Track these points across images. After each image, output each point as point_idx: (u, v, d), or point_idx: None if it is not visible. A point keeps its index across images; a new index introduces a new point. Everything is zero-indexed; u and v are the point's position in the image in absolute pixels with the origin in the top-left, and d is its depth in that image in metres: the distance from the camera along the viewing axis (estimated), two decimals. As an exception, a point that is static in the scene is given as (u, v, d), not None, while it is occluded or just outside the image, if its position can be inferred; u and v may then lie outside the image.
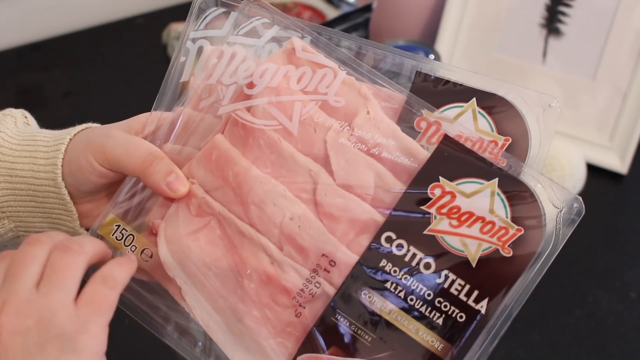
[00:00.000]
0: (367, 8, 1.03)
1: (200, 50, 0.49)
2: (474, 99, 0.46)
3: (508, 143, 0.46)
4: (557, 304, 0.83)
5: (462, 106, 0.46)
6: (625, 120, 0.98)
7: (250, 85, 0.46)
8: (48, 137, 0.50)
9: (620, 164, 0.99)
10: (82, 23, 1.23)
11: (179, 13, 1.24)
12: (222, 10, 0.49)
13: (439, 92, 0.47)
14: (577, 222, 0.43)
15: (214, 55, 0.48)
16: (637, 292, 0.85)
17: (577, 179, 0.91)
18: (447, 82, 0.47)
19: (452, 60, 1.06)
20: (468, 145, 0.44)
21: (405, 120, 0.46)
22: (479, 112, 0.46)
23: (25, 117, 0.53)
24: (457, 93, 0.47)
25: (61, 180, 0.48)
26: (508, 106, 0.46)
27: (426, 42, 1.05)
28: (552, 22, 1.00)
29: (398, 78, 0.48)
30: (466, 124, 0.46)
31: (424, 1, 1.07)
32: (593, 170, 0.97)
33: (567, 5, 0.99)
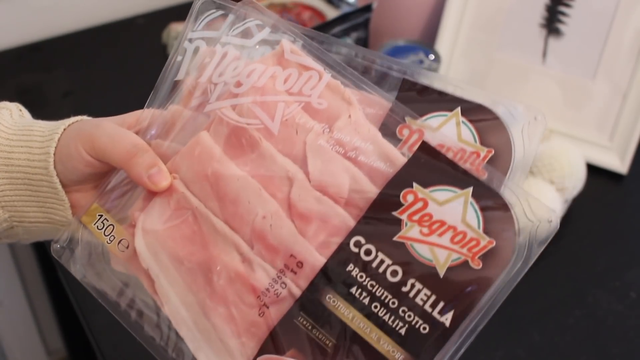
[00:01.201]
0: (367, 8, 1.03)
1: (196, 51, 0.50)
2: (459, 108, 0.46)
3: (490, 155, 0.45)
4: (557, 304, 0.83)
5: (446, 115, 0.46)
6: (625, 120, 0.98)
7: (238, 84, 0.47)
8: (43, 127, 0.51)
9: (620, 164, 0.99)
10: (82, 23, 1.23)
11: (179, 13, 1.24)
12: (220, 12, 0.50)
13: (424, 100, 0.46)
14: (549, 240, 0.41)
15: (207, 55, 0.49)
16: (637, 292, 0.85)
17: (577, 179, 0.91)
18: (434, 90, 0.46)
19: (452, 60, 1.06)
20: (449, 155, 0.43)
21: (388, 127, 0.45)
22: (462, 122, 0.45)
23: (20, 110, 0.54)
24: (442, 102, 0.46)
25: (53, 168, 0.49)
26: (493, 117, 0.45)
27: (426, 42, 1.05)
28: (552, 22, 1.00)
29: (385, 85, 0.48)
30: (449, 133, 0.45)
31: (424, 1, 1.07)
32: (593, 170, 0.97)
33: (567, 5, 0.99)
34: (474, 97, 0.46)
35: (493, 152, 0.45)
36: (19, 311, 1.37)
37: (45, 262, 1.23)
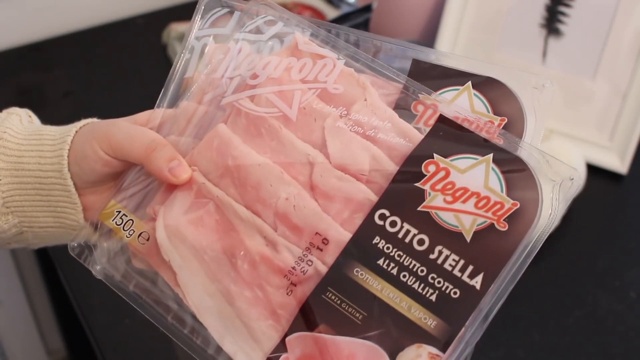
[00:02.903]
0: (367, 8, 1.04)
1: (204, 48, 0.51)
2: (469, 82, 0.47)
3: (504, 122, 0.46)
4: (557, 304, 0.83)
5: (458, 89, 0.47)
6: (625, 120, 0.98)
7: (254, 77, 0.48)
8: (54, 131, 0.51)
9: (620, 164, 0.99)
10: (82, 23, 1.23)
11: (179, 13, 1.25)
12: (226, 10, 0.51)
13: (434, 77, 0.48)
14: (574, 196, 0.42)
15: (221, 52, 0.50)
16: (637, 292, 0.85)
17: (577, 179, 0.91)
18: (444, 67, 0.48)
19: (452, 60, 1.06)
20: (465, 125, 0.44)
21: (403, 105, 0.46)
22: (474, 94, 0.47)
23: (30, 115, 0.55)
24: (452, 77, 0.47)
25: (67, 170, 0.49)
26: (502, 88, 0.47)
27: (426, 42, 1.05)
28: (552, 22, 1.00)
29: (395, 66, 0.49)
30: (462, 106, 0.46)
31: (424, 1, 1.08)
32: (593, 170, 0.97)
33: (567, 5, 0.99)
34: (483, 70, 0.47)
35: (506, 120, 0.46)
36: (19, 311, 1.36)
37: (45, 262, 1.23)
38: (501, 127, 0.46)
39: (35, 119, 0.55)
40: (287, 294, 0.44)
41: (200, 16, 0.51)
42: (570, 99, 1.01)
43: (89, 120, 0.52)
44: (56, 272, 0.91)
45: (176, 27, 1.17)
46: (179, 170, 0.47)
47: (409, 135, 0.45)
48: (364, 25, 1.05)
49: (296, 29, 0.49)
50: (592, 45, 0.99)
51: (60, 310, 1.36)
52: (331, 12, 1.19)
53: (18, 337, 1.38)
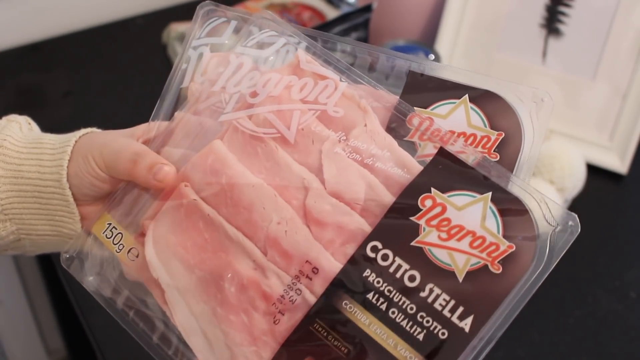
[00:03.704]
0: (367, 8, 1.03)
1: (200, 57, 0.50)
2: (466, 95, 0.46)
3: (501, 138, 0.45)
4: (557, 304, 0.83)
5: (454, 102, 0.46)
6: (625, 120, 0.98)
7: (253, 94, 0.47)
8: (53, 140, 0.51)
9: (620, 164, 0.99)
10: (82, 23, 1.23)
11: (179, 13, 1.24)
12: (223, 19, 0.50)
13: (431, 89, 0.47)
14: (571, 242, 0.41)
15: (220, 64, 0.49)
16: (637, 292, 0.85)
17: (577, 179, 0.91)
18: (440, 80, 0.47)
19: (452, 61, 1.06)
20: (460, 140, 0.43)
21: (398, 118, 0.45)
22: (471, 107, 0.46)
23: (29, 123, 0.54)
24: (449, 90, 0.46)
25: (66, 181, 0.49)
26: (500, 101, 0.46)
27: (426, 42, 1.05)
28: (552, 22, 1.00)
29: (392, 77, 0.49)
30: (459, 119, 0.45)
31: (424, 1, 1.07)
32: (593, 170, 0.97)
33: (567, 5, 0.99)
34: (480, 83, 0.46)
35: (503, 135, 0.45)
36: (19, 311, 1.36)
37: (45, 262, 1.23)
38: (498, 142, 0.45)
39: (34, 126, 0.55)
40: (274, 322, 0.43)
41: (197, 25, 0.50)
42: (570, 99, 1.01)
43: (88, 130, 0.52)
44: (56, 272, 0.91)
45: (176, 27, 1.17)
46: (161, 174, 0.46)
47: (407, 166, 0.44)
48: (364, 25, 1.05)
49: (299, 47, 0.48)
50: (592, 45, 0.99)
51: (60, 310, 1.36)
52: (331, 12, 1.19)
53: (18, 337, 1.38)
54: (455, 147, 0.43)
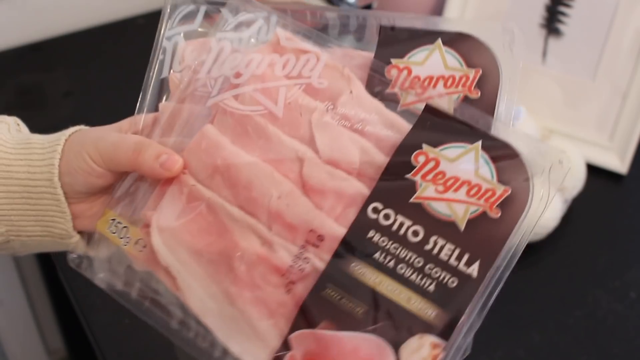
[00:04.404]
0: (367, 8, 1.03)
1: (175, 47, 0.51)
2: (439, 39, 0.47)
3: (479, 74, 0.46)
4: (557, 304, 0.83)
5: (428, 48, 0.47)
6: (625, 120, 0.98)
7: (237, 75, 0.47)
8: (42, 140, 0.51)
9: (620, 164, 0.99)
10: (82, 23, 1.23)
11: (179, 13, 1.24)
12: (192, 6, 0.51)
13: (403, 39, 0.48)
14: (563, 180, 0.42)
15: (195, 50, 0.50)
16: (637, 292, 0.85)
17: (577, 179, 0.91)
18: (411, 29, 0.48)
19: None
20: (441, 83, 0.45)
21: (376, 71, 0.47)
22: (445, 50, 0.47)
23: (18, 124, 0.54)
24: (421, 37, 0.48)
25: (57, 179, 0.49)
26: (473, 40, 0.47)
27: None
28: (552, 22, 1.00)
29: (364, 35, 0.50)
30: (436, 64, 0.47)
31: (424, 1, 1.07)
32: (593, 170, 0.97)
33: (567, 5, 0.99)
34: (450, 27, 0.48)
35: (481, 71, 0.47)
36: (19, 311, 1.37)
37: (45, 262, 1.23)
38: (477, 79, 0.46)
39: (23, 128, 0.54)
40: (287, 292, 0.44)
41: (167, 16, 0.51)
42: (570, 99, 1.01)
43: (77, 128, 0.52)
44: (56, 272, 0.91)
45: (176, 27, 1.17)
46: (169, 162, 0.47)
47: (396, 126, 0.45)
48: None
49: (270, 21, 0.49)
50: (592, 45, 0.99)
51: (60, 310, 1.36)
52: (331, 12, 1.19)
53: (18, 337, 1.38)
54: (436, 91, 0.45)
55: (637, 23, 0.96)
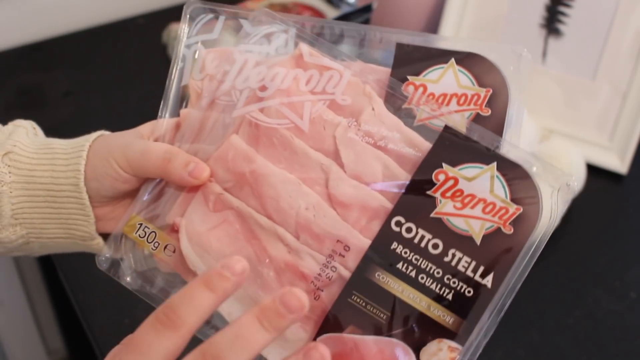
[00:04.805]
0: (367, 8, 1.04)
1: (195, 54, 0.52)
2: (452, 59, 0.50)
3: (490, 93, 0.50)
4: (557, 304, 0.83)
5: (443, 67, 0.50)
6: (624, 120, 0.98)
7: (263, 88, 0.50)
8: (64, 144, 0.52)
9: (620, 164, 0.99)
10: (82, 23, 1.23)
11: (179, 13, 1.24)
12: (211, 15, 0.53)
13: (418, 58, 0.51)
14: (574, 196, 0.45)
15: (216, 59, 0.52)
16: (637, 292, 0.85)
17: (577, 179, 0.91)
18: (425, 48, 0.51)
19: (452, 60, 1.06)
20: (454, 100, 0.48)
21: (394, 88, 0.50)
22: (458, 70, 0.50)
23: (34, 128, 0.55)
24: (435, 57, 0.51)
25: (83, 184, 0.50)
26: (484, 61, 0.50)
27: (426, 42, 1.05)
28: (552, 22, 1.00)
29: (382, 51, 0.53)
30: (450, 82, 0.50)
31: (424, 1, 1.07)
32: (593, 170, 0.97)
33: (567, 5, 0.99)
34: (463, 47, 0.51)
35: (491, 91, 0.50)
36: (19, 311, 1.37)
37: (45, 262, 1.23)
38: (488, 98, 0.50)
39: (39, 131, 0.55)
40: (315, 299, 0.47)
41: (187, 24, 0.53)
42: (570, 99, 1.01)
43: (99, 133, 0.53)
44: (56, 272, 0.91)
45: (176, 27, 1.17)
46: (198, 171, 0.48)
47: (416, 144, 0.48)
48: (364, 25, 1.05)
49: (289, 35, 0.51)
50: (592, 45, 0.99)
51: (60, 310, 1.36)
52: (331, 12, 1.19)
53: (18, 337, 1.38)
54: (449, 108, 0.48)
55: (637, 23, 0.96)
